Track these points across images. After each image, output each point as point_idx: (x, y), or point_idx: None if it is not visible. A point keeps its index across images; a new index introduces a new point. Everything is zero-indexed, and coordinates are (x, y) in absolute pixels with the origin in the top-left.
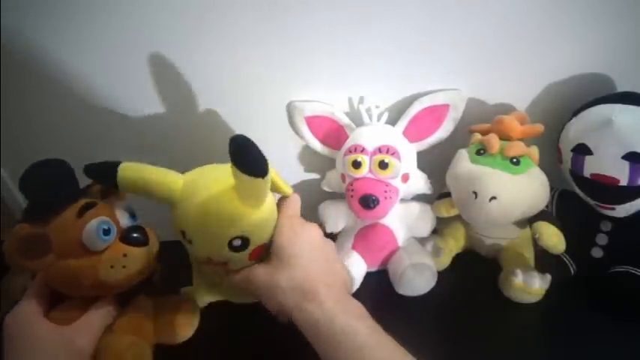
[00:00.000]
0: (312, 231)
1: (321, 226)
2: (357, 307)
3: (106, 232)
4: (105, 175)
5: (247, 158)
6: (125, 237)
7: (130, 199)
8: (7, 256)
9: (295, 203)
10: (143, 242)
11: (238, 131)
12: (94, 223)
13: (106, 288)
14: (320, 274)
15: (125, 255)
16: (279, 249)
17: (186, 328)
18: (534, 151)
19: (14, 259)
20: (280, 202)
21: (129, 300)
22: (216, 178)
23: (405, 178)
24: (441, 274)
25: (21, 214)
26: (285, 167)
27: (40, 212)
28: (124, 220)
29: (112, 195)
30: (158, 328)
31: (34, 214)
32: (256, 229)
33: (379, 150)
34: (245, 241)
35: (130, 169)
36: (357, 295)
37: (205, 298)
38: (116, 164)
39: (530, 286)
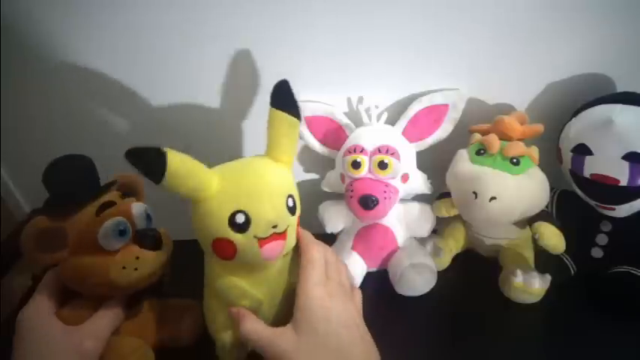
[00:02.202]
0: (343, 302)
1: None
2: None
3: (122, 232)
4: (151, 163)
5: (287, 97)
6: (139, 239)
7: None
8: (22, 246)
9: (319, 266)
10: (156, 246)
11: (237, 131)
12: (111, 223)
13: (116, 288)
14: (358, 355)
15: (137, 257)
16: (313, 331)
17: (191, 332)
18: (534, 151)
19: (29, 251)
20: (302, 259)
21: (137, 302)
22: (246, 159)
23: (405, 178)
24: (441, 275)
25: (30, 208)
26: None
27: (60, 207)
28: (141, 222)
29: (131, 195)
30: (164, 332)
31: (53, 207)
32: (295, 189)
33: (379, 150)
34: (294, 201)
35: (176, 158)
36: None
37: None
38: (163, 152)
39: (530, 286)
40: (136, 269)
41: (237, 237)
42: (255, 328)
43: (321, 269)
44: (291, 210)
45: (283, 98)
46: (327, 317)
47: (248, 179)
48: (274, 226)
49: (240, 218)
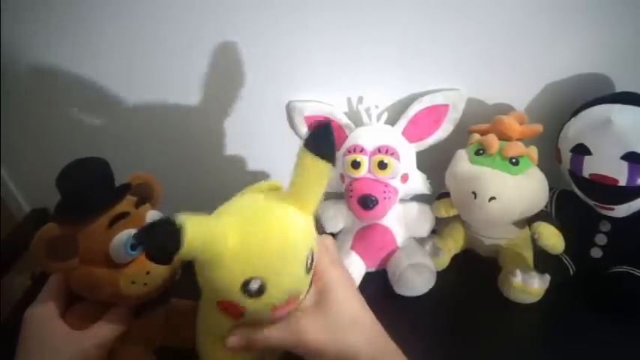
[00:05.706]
0: (351, 277)
1: (320, 226)
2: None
3: (134, 247)
4: (164, 245)
5: (327, 142)
6: None
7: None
8: (32, 253)
9: (333, 246)
10: (168, 260)
11: (237, 130)
12: (123, 237)
13: (124, 300)
14: (379, 332)
15: (148, 272)
16: (335, 312)
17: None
18: (533, 151)
19: (39, 258)
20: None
21: (143, 309)
22: (266, 207)
23: (405, 178)
24: (440, 275)
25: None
26: (285, 167)
27: (72, 215)
28: None
29: (146, 198)
30: (167, 335)
31: (65, 215)
32: (315, 240)
33: (378, 150)
34: (312, 257)
35: (191, 233)
36: None
37: None
38: (177, 227)
39: (529, 286)
40: (145, 284)
41: (248, 302)
42: (271, 334)
43: (335, 251)
44: (309, 270)
45: (324, 144)
46: (353, 299)
47: (268, 241)
48: (289, 297)
49: (254, 285)
